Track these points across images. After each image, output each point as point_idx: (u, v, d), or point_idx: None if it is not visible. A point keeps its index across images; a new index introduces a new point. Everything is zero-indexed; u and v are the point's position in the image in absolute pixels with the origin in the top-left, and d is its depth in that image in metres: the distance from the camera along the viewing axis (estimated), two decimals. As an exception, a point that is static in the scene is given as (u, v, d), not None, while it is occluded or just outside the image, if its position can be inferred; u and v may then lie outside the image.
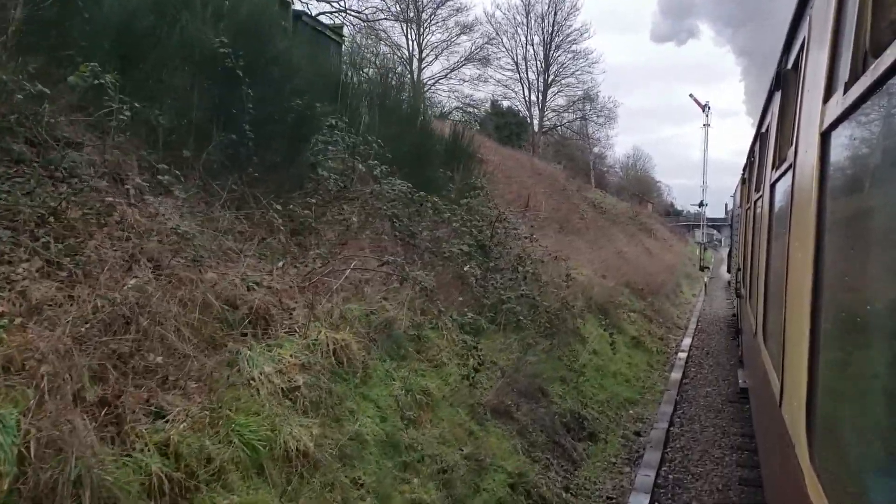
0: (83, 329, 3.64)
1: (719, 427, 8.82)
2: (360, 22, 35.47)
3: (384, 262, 6.25)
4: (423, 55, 43.51)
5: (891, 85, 1.66)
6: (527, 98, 50.33)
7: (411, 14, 41.14)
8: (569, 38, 48.86)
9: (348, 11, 32.90)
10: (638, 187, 66.38)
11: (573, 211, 22.16)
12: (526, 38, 49.17)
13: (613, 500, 6.58)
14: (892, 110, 1.71)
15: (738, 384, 9.18)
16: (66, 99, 5.36)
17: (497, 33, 47.88)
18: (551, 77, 50.21)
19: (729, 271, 20.60)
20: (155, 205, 5.36)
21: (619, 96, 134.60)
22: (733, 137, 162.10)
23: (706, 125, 55.00)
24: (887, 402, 1.75)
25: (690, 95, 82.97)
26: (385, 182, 8.04)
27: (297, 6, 22.87)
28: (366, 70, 15.05)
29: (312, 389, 4.60)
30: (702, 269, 31.52)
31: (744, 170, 12.45)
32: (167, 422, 3.53)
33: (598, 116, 52.44)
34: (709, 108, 55.20)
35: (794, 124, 3.42)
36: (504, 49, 48.71)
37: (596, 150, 57.17)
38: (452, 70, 44.47)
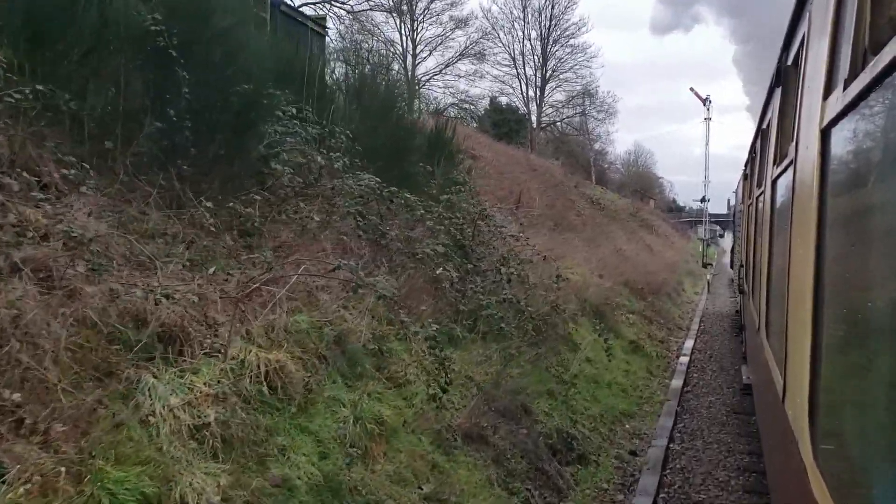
0: None
1: (724, 443, 7.99)
2: (350, 17, 34.59)
3: (335, 268, 5.43)
4: (417, 51, 42.67)
5: (890, 81, 1.65)
6: (524, 94, 49.55)
7: (404, 8, 40.26)
8: (566, 33, 48.12)
9: (332, 2, 31.96)
10: (639, 183, 65.56)
11: (569, 208, 21.32)
12: (523, 32, 48.37)
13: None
14: (892, 106, 1.70)
15: (742, 380, 9.05)
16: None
17: (493, 28, 47.02)
18: (549, 72, 49.42)
19: (732, 267, 20.08)
20: (59, 205, 4.59)
21: (621, 95, 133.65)
22: (734, 133, 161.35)
23: (707, 119, 54.23)
24: (889, 397, 1.74)
25: (691, 89, 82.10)
26: (349, 176, 7.23)
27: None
28: (347, 61, 14.37)
29: (228, 426, 3.78)
30: (704, 265, 30.99)
31: (745, 166, 12.30)
32: (3, 483, 2.71)
33: (597, 112, 51.63)
34: (710, 101, 54.47)
35: (794, 121, 3.44)
36: (501, 44, 47.89)
37: (597, 146, 56.39)
38: (447, 66, 43.64)
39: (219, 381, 3.99)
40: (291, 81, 8.59)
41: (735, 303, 18.24)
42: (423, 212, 8.04)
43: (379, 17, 39.59)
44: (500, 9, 62.07)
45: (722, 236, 53.87)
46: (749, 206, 9.99)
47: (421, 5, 41.61)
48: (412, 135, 10.93)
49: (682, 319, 18.24)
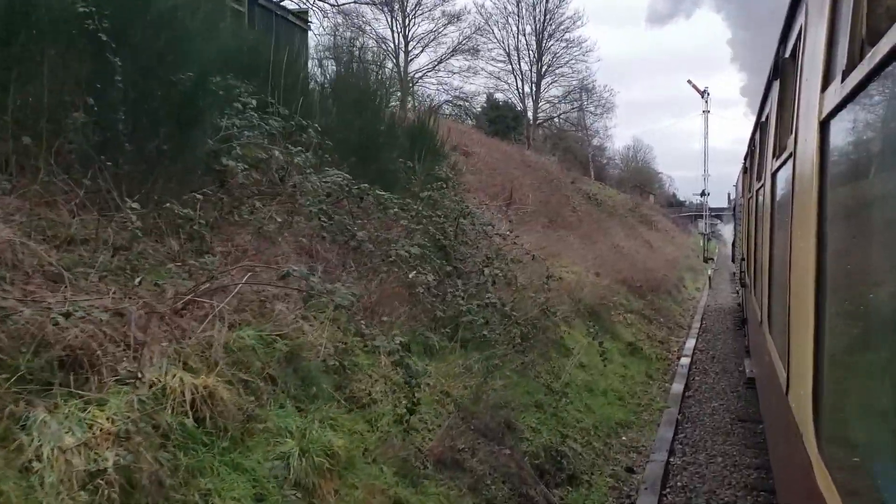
0: None
1: (729, 456, 7.35)
2: (336, 11, 33.93)
3: (284, 275, 4.79)
4: (410, 48, 41.99)
5: (889, 72, 1.65)
6: (520, 90, 48.82)
7: (395, 5, 39.57)
8: (561, 27, 47.38)
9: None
10: (639, 179, 64.95)
11: (565, 204, 20.68)
12: (517, 27, 47.65)
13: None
14: (890, 97, 1.70)
15: (746, 374, 9.05)
16: None
17: (487, 23, 46.30)
18: (545, 67, 48.73)
19: (733, 261, 19.57)
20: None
21: (618, 90, 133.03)
22: (733, 126, 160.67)
23: (706, 111, 53.54)
24: (893, 389, 1.72)
25: (689, 81, 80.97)
26: (312, 173, 6.60)
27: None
28: (328, 54, 13.75)
29: (132, 471, 3.15)
30: (706, 260, 30.44)
31: (745, 159, 12.09)
32: None
33: (595, 107, 50.95)
34: (708, 93, 53.78)
35: (793, 113, 3.45)
36: (495, 40, 47.17)
37: (595, 141, 55.76)
38: (440, 61, 42.93)
39: (127, 416, 3.35)
40: (257, 72, 8.00)
41: (737, 298, 17.64)
42: (397, 210, 7.40)
43: (369, 13, 38.94)
44: (494, 4, 61.20)
45: (720, 221, 53.14)
46: (749, 200, 9.89)
47: (412, 1, 40.93)
48: (391, 128, 10.31)
49: (682, 317, 17.60)
